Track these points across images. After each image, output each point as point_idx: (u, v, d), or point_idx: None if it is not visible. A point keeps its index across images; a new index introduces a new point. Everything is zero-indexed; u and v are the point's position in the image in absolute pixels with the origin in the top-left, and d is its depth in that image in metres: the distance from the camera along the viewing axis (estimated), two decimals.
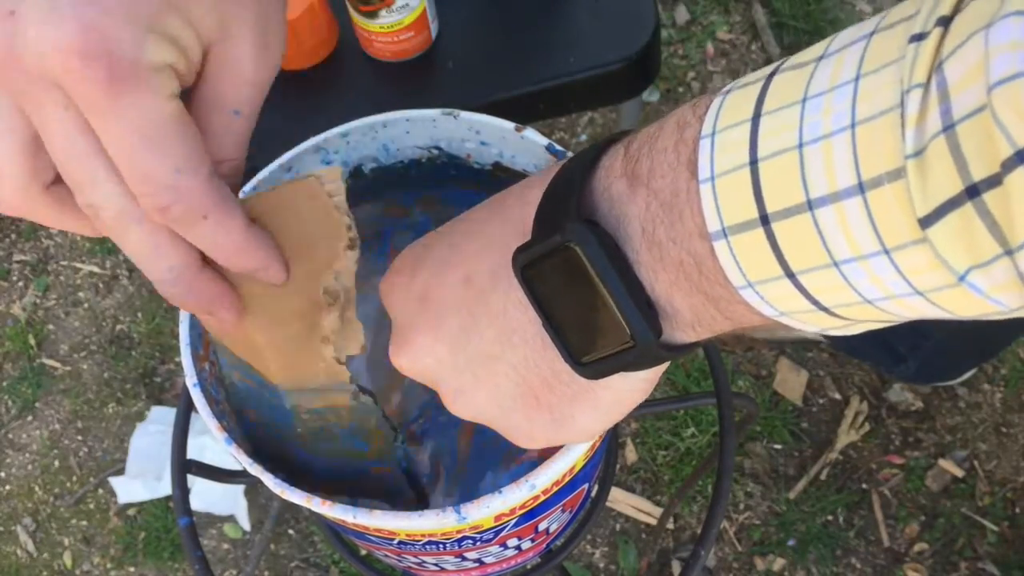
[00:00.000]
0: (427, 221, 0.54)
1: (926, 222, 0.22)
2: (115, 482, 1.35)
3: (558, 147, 0.45)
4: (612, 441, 0.62)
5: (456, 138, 0.48)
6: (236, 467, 0.51)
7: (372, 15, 0.83)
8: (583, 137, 1.52)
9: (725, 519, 1.27)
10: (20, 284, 1.53)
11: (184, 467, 0.58)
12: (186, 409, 0.60)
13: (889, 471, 1.27)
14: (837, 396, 1.32)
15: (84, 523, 1.35)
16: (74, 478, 1.38)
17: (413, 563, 0.50)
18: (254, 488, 1.32)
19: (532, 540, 0.50)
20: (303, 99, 0.87)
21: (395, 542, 0.44)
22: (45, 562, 1.33)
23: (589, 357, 0.30)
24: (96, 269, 1.52)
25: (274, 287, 0.35)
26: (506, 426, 0.35)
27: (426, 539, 0.43)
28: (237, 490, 1.31)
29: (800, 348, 1.34)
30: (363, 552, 0.60)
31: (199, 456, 1.26)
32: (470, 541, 0.44)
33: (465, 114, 0.47)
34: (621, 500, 1.27)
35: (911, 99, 0.21)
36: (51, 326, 1.49)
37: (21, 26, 0.27)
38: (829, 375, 1.33)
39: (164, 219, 0.30)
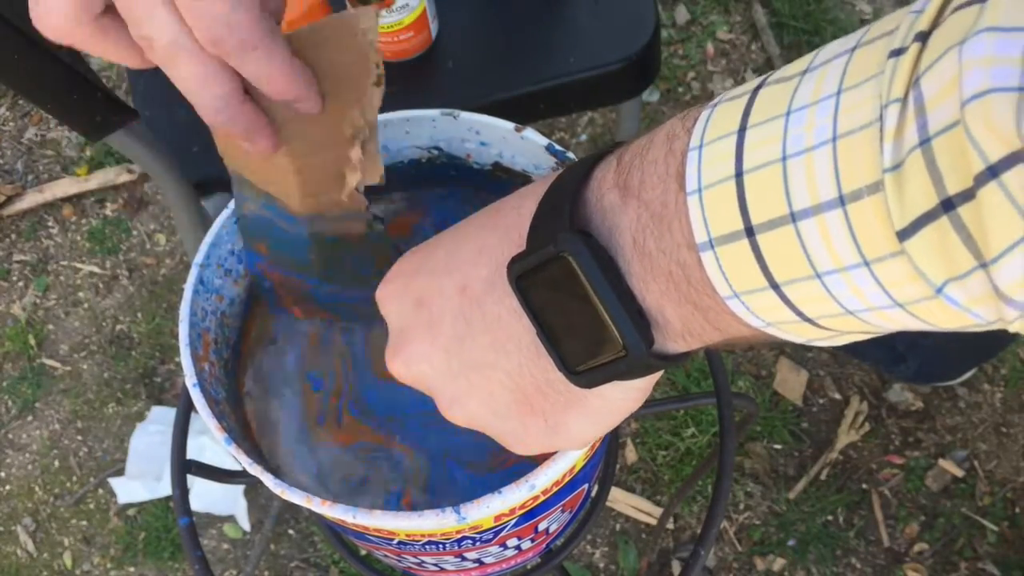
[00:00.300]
0: (427, 221, 0.54)
1: (903, 235, 0.22)
2: (115, 482, 1.35)
3: (558, 147, 0.45)
4: (612, 441, 0.62)
5: (456, 138, 0.48)
6: (236, 467, 0.51)
7: None
8: (583, 137, 1.52)
9: (725, 519, 1.27)
10: (20, 284, 1.53)
11: (184, 467, 0.58)
12: (186, 409, 0.60)
13: (889, 471, 1.27)
14: (837, 396, 1.32)
15: (84, 523, 1.35)
16: (74, 478, 1.38)
17: (413, 563, 0.51)
18: (254, 488, 1.32)
19: (532, 540, 0.50)
20: None
21: (395, 542, 0.44)
22: (45, 562, 1.33)
23: (582, 366, 0.31)
24: (96, 269, 1.52)
25: (305, 119, 0.38)
26: (500, 432, 0.35)
27: (426, 539, 0.43)
28: (237, 490, 1.31)
29: (800, 348, 1.34)
30: (363, 552, 0.60)
31: (199, 456, 1.27)
32: (470, 541, 0.45)
33: (465, 114, 0.47)
34: (621, 500, 1.27)
35: (889, 113, 0.22)
36: (51, 326, 1.49)
37: None
38: (829, 375, 1.33)
39: (218, 50, 0.32)
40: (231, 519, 1.32)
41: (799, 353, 1.34)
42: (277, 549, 1.30)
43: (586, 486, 0.51)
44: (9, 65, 0.64)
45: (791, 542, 1.24)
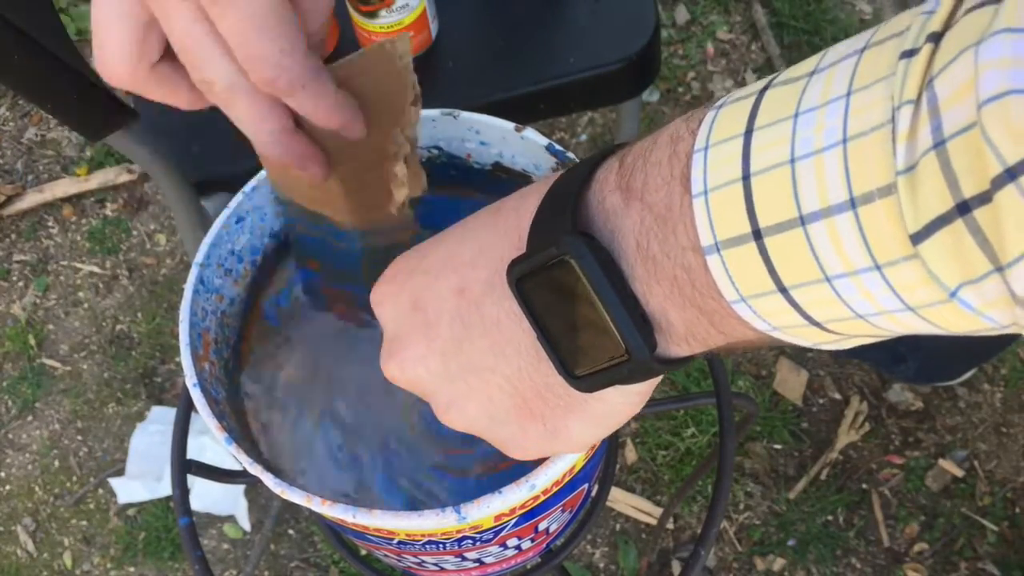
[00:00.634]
0: (427, 222, 0.54)
1: (917, 238, 0.22)
2: (115, 482, 1.35)
3: (558, 147, 0.45)
4: (612, 441, 0.62)
5: (456, 138, 0.48)
6: (236, 467, 0.51)
7: (372, 15, 0.83)
8: (583, 137, 1.52)
9: (725, 519, 1.27)
10: (20, 284, 1.53)
11: (184, 467, 0.58)
12: (186, 409, 0.60)
13: (889, 471, 1.27)
14: (837, 396, 1.32)
15: (84, 523, 1.35)
16: (74, 478, 1.38)
17: (413, 563, 0.51)
18: (254, 488, 1.32)
19: (532, 540, 0.50)
20: None
21: (395, 542, 0.44)
22: (45, 562, 1.33)
23: (583, 370, 0.31)
24: (96, 269, 1.52)
25: (352, 142, 0.40)
26: (499, 437, 0.35)
27: (426, 539, 0.43)
28: (237, 490, 1.31)
29: (800, 348, 1.34)
30: (363, 552, 0.60)
31: (199, 456, 1.26)
32: (470, 541, 0.45)
33: (465, 114, 0.47)
34: (621, 500, 1.27)
35: (902, 115, 0.21)
36: (51, 326, 1.49)
37: None
38: (829, 375, 1.33)
39: (271, 90, 0.35)
40: (231, 519, 1.32)
41: (799, 353, 1.34)
42: (277, 549, 1.30)
43: (586, 486, 0.51)
44: (9, 65, 0.64)
45: (791, 542, 1.24)
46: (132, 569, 1.32)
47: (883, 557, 1.23)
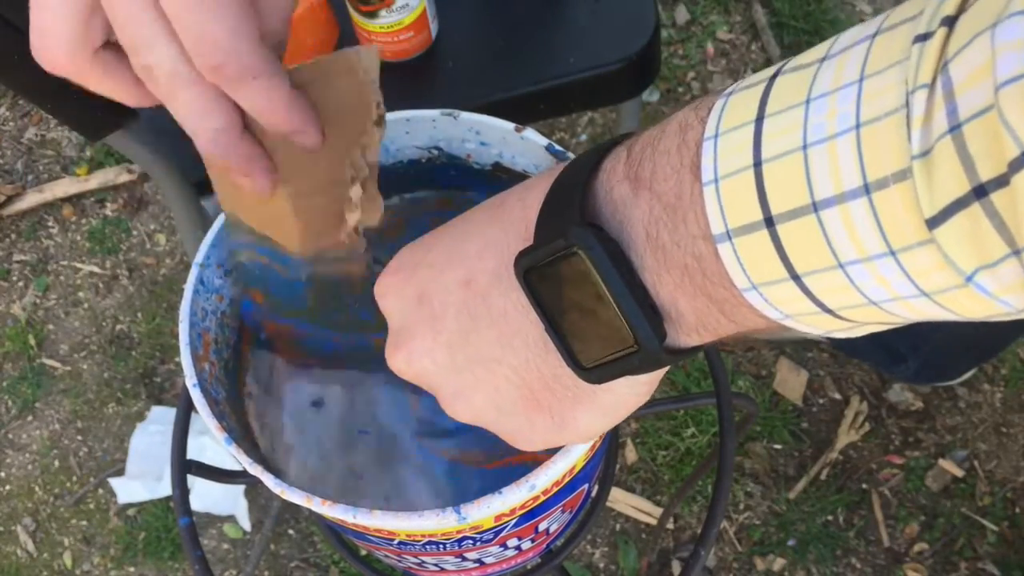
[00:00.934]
0: (427, 221, 0.54)
1: (933, 223, 0.22)
2: (115, 482, 1.35)
3: (558, 147, 0.45)
4: (612, 441, 0.62)
5: (456, 138, 0.48)
6: (236, 467, 0.51)
7: (372, 15, 0.83)
8: (583, 137, 1.52)
9: (725, 519, 1.27)
10: (20, 284, 1.53)
11: (184, 467, 0.58)
12: (186, 409, 0.60)
13: (889, 471, 1.27)
14: (837, 396, 1.32)
15: (84, 523, 1.35)
16: (74, 478, 1.38)
17: (413, 563, 0.51)
18: (254, 488, 1.32)
19: (532, 540, 0.50)
20: None
21: (395, 542, 0.44)
22: (45, 562, 1.33)
23: (592, 361, 0.30)
24: (96, 269, 1.52)
25: (305, 157, 0.37)
26: (506, 429, 0.35)
27: (426, 539, 0.43)
28: (237, 490, 1.31)
29: (800, 348, 1.34)
30: (363, 552, 0.60)
31: (199, 456, 1.26)
32: (470, 541, 0.45)
33: (465, 114, 0.47)
34: (621, 500, 1.27)
35: (916, 100, 0.21)
36: (51, 326, 1.49)
37: None
38: (829, 375, 1.33)
39: (217, 78, 0.32)
40: (231, 519, 1.32)
41: (799, 353, 1.34)
42: (277, 549, 1.30)
43: (586, 486, 0.51)
44: (9, 65, 0.64)
45: (791, 542, 1.24)
46: (132, 569, 1.32)
47: (883, 557, 1.23)
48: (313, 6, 0.84)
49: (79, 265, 1.53)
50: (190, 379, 0.42)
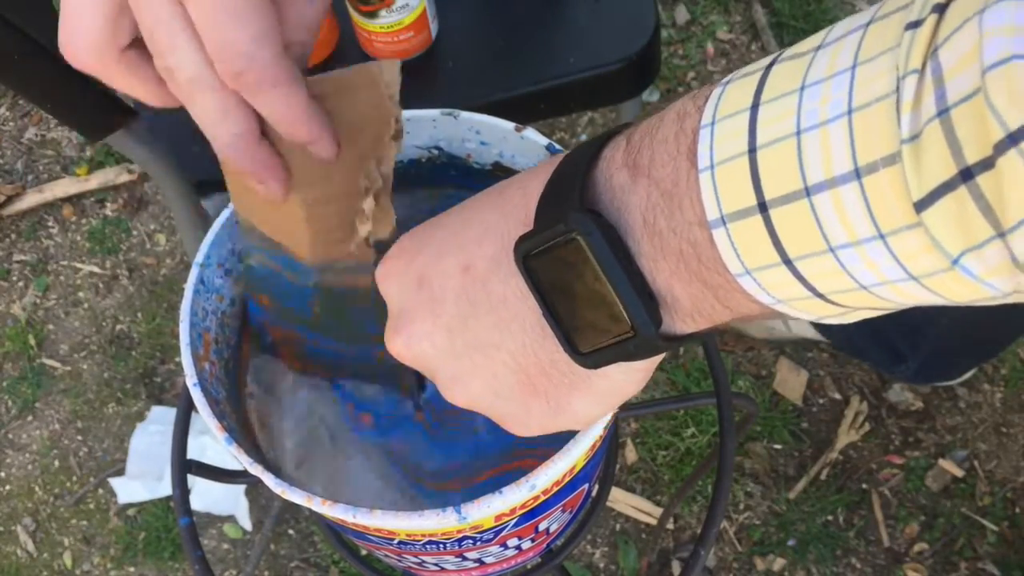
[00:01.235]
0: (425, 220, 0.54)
1: (920, 206, 0.22)
2: (115, 482, 1.35)
3: (558, 147, 0.45)
4: (612, 441, 0.62)
5: (456, 138, 0.48)
6: (237, 467, 0.51)
7: (372, 15, 0.83)
8: (583, 137, 1.52)
9: (725, 519, 1.27)
10: (20, 284, 1.53)
11: (184, 467, 0.58)
12: (186, 409, 0.60)
13: (889, 471, 1.27)
14: (837, 396, 1.32)
15: (84, 523, 1.35)
16: (74, 478, 1.38)
17: (413, 563, 0.51)
18: (254, 488, 1.32)
19: (532, 540, 0.50)
20: None
21: (395, 542, 0.44)
22: (45, 562, 1.33)
23: (588, 347, 0.31)
24: (96, 269, 1.52)
25: (320, 167, 0.37)
26: (502, 414, 0.35)
27: (426, 539, 0.43)
28: (237, 490, 1.31)
29: (800, 348, 1.34)
30: (363, 552, 0.60)
31: (199, 456, 1.27)
32: (470, 541, 0.45)
33: (465, 114, 0.47)
34: (621, 500, 1.27)
35: (907, 85, 0.22)
36: (51, 326, 1.49)
37: None
38: (829, 375, 1.33)
39: (237, 85, 0.33)
40: (231, 519, 1.32)
41: (799, 353, 1.34)
42: (277, 549, 1.30)
43: (586, 486, 0.51)
44: (9, 65, 0.64)
45: (791, 542, 1.24)
46: (132, 569, 1.32)
47: (883, 557, 1.23)
48: None
49: (79, 265, 1.53)
50: (190, 379, 0.42)
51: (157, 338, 1.45)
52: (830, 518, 1.25)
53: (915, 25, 0.22)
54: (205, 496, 1.30)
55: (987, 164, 0.20)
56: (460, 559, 0.49)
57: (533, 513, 0.44)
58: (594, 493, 0.59)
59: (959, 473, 1.26)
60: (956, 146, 0.21)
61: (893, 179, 0.22)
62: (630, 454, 1.31)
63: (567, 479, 0.43)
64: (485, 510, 0.38)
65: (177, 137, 0.85)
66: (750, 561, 1.24)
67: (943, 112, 0.21)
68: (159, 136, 0.80)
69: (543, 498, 0.43)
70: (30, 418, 1.42)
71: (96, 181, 1.57)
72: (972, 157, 0.21)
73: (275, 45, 0.33)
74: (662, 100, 1.53)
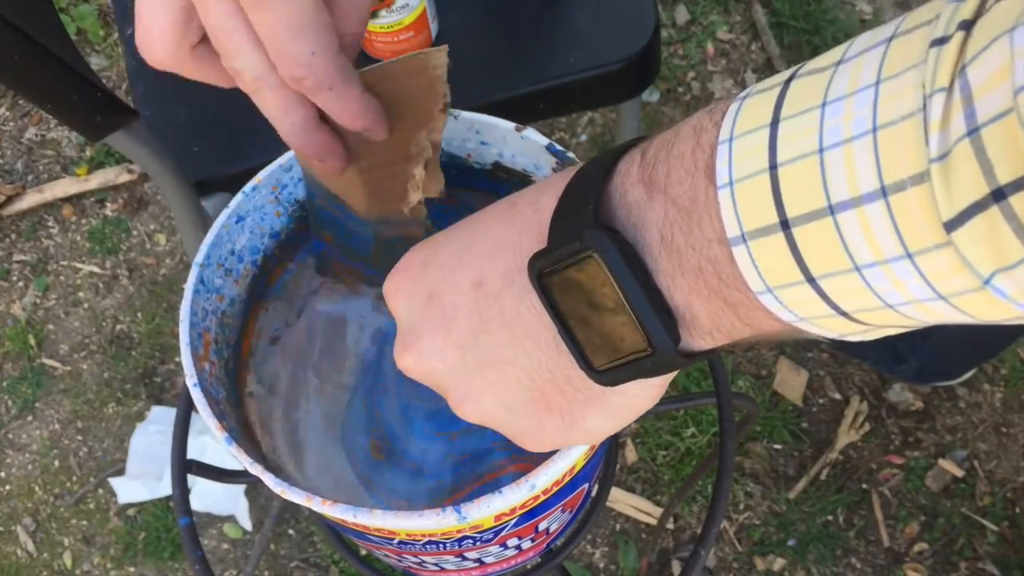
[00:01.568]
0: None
1: (951, 226, 0.22)
2: (115, 482, 1.35)
3: (558, 147, 0.45)
4: (612, 441, 0.62)
5: (456, 138, 0.48)
6: (236, 467, 0.51)
7: (372, 15, 0.83)
8: (583, 137, 1.52)
9: (725, 519, 1.27)
10: (20, 284, 1.53)
11: (184, 467, 0.58)
12: (186, 409, 0.60)
13: (889, 471, 1.27)
14: (837, 396, 1.32)
15: (84, 523, 1.35)
16: (74, 478, 1.38)
17: (413, 563, 0.51)
18: (254, 488, 1.32)
19: (532, 540, 0.50)
20: None
21: (395, 542, 0.44)
22: (45, 562, 1.33)
23: (605, 364, 0.30)
24: (96, 269, 1.52)
25: (375, 141, 0.41)
26: (515, 430, 0.35)
27: (426, 539, 0.43)
28: (237, 490, 1.31)
29: (800, 348, 1.34)
30: (363, 552, 0.60)
31: (199, 456, 1.27)
32: (470, 541, 0.45)
33: (465, 114, 0.47)
34: (621, 500, 1.27)
35: (934, 103, 0.21)
36: (51, 326, 1.49)
37: None
38: (829, 375, 1.33)
39: (297, 87, 0.36)
40: (231, 519, 1.32)
41: (799, 353, 1.34)
42: (277, 549, 1.30)
43: (586, 486, 0.51)
44: (9, 65, 0.64)
45: (791, 542, 1.24)
46: (132, 569, 1.32)
47: (883, 557, 1.23)
48: None
49: (79, 265, 1.53)
50: (190, 379, 0.42)
51: (157, 338, 1.46)
52: (830, 518, 1.25)
53: (941, 42, 0.22)
54: (205, 496, 1.30)
55: (1020, 184, 0.20)
56: (460, 559, 0.49)
57: (533, 513, 0.44)
58: (594, 493, 0.59)
59: (959, 473, 1.26)
60: (987, 165, 0.21)
61: (921, 198, 0.22)
62: (630, 454, 1.31)
63: (567, 479, 0.43)
64: (485, 510, 0.38)
65: (177, 137, 0.85)
66: (750, 561, 1.24)
67: (973, 131, 0.21)
68: (159, 136, 0.80)
69: (543, 498, 0.43)
70: (30, 418, 1.42)
71: (96, 181, 1.57)
72: (1005, 177, 0.20)
73: (330, 51, 0.35)
74: (662, 100, 1.53)
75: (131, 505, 1.34)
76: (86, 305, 1.50)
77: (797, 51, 1.54)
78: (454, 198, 0.52)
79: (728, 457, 0.57)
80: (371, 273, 0.50)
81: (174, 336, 1.45)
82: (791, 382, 1.32)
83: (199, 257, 0.46)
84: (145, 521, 1.33)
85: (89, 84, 0.70)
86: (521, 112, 0.88)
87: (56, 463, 1.39)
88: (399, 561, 0.51)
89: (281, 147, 0.48)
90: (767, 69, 1.54)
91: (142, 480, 1.33)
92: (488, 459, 0.50)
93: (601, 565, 1.25)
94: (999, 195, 0.21)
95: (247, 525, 1.31)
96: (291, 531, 1.31)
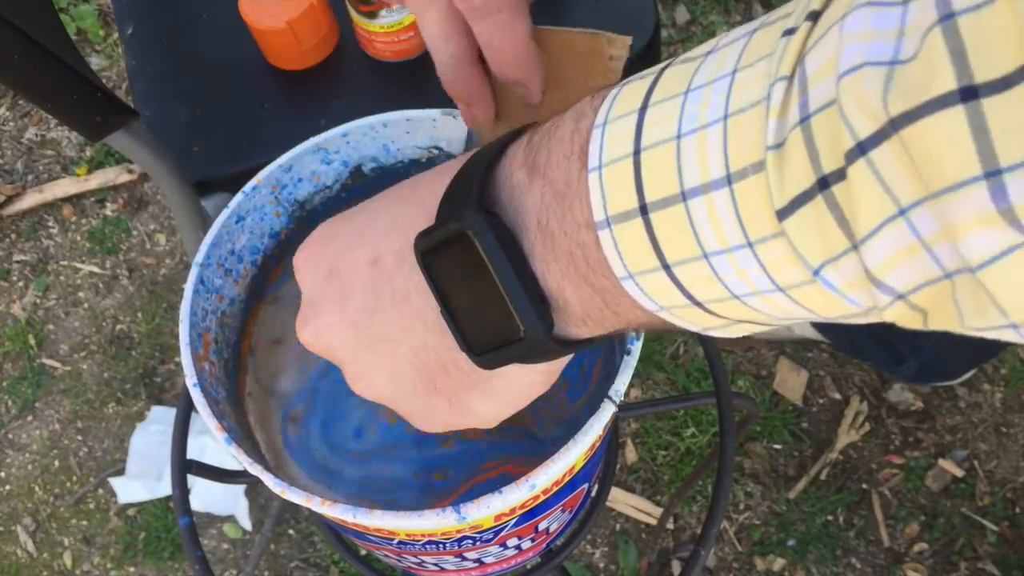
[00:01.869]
0: None
1: (782, 214, 0.22)
2: (115, 482, 1.35)
3: None
4: (612, 441, 0.62)
5: (456, 138, 0.48)
6: (236, 467, 0.51)
7: (372, 15, 0.83)
8: None
9: (725, 519, 1.27)
10: (20, 284, 1.53)
11: (184, 467, 0.58)
12: (186, 409, 0.60)
13: (889, 471, 1.27)
14: (837, 396, 1.32)
15: (84, 523, 1.35)
16: (74, 478, 1.38)
17: (413, 563, 0.51)
18: (254, 488, 1.32)
19: (532, 540, 0.50)
20: (303, 99, 0.87)
21: (395, 542, 0.44)
22: (45, 562, 1.33)
23: (483, 346, 0.30)
24: (96, 269, 1.52)
25: (523, 109, 0.39)
26: (407, 409, 0.35)
27: (426, 539, 0.43)
28: (237, 490, 1.31)
29: (800, 348, 1.34)
30: (363, 552, 0.60)
31: (199, 456, 1.27)
32: (470, 541, 0.45)
33: None
34: (621, 500, 1.27)
35: (776, 91, 0.21)
36: (51, 326, 1.49)
37: None
38: (829, 375, 1.33)
39: (466, 7, 0.35)
40: (231, 519, 1.32)
41: (799, 353, 1.34)
42: (277, 549, 1.30)
43: (586, 486, 0.51)
44: (9, 65, 0.64)
45: (791, 542, 1.24)
46: (132, 569, 1.32)
47: (883, 557, 1.23)
48: (313, 6, 0.84)
49: (79, 265, 1.53)
50: (190, 379, 0.42)
51: (157, 338, 1.46)
52: (830, 518, 1.25)
53: (791, 32, 0.22)
54: (205, 496, 1.30)
55: (840, 174, 0.20)
56: (460, 559, 0.49)
57: (533, 513, 0.44)
58: (594, 493, 0.59)
59: (959, 473, 1.26)
60: (815, 154, 0.20)
61: (760, 186, 0.22)
62: (630, 454, 1.31)
63: (567, 479, 0.43)
64: (485, 510, 0.38)
65: (177, 137, 0.85)
66: (750, 561, 1.24)
67: (805, 120, 0.20)
68: (159, 136, 0.80)
69: (543, 498, 0.43)
70: (30, 418, 1.42)
71: (96, 181, 1.57)
72: (828, 166, 0.20)
73: None
74: None
75: (131, 505, 1.34)
76: (86, 305, 1.50)
77: None
78: None
79: (728, 457, 0.57)
80: None
81: (174, 336, 1.45)
82: (791, 382, 1.32)
83: (199, 257, 0.46)
84: (145, 521, 1.33)
85: (89, 84, 0.69)
86: None
87: (56, 463, 1.39)
88: (399, 561, 0.51)
89: (281, 147, 0.48)
90: None
91: (142, 480, 1.33)
92: (486, 458, 0.50)
93: (601, 565, 1.25)
94: (823, 184, 0.20)
95: (247, 525, 1.31)
96: (291, 531, 1.31)
